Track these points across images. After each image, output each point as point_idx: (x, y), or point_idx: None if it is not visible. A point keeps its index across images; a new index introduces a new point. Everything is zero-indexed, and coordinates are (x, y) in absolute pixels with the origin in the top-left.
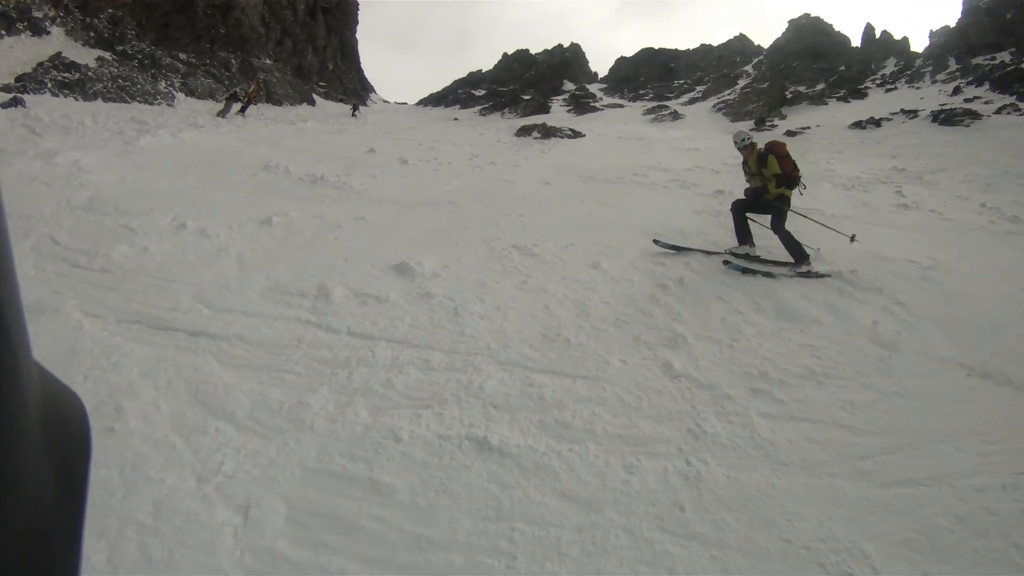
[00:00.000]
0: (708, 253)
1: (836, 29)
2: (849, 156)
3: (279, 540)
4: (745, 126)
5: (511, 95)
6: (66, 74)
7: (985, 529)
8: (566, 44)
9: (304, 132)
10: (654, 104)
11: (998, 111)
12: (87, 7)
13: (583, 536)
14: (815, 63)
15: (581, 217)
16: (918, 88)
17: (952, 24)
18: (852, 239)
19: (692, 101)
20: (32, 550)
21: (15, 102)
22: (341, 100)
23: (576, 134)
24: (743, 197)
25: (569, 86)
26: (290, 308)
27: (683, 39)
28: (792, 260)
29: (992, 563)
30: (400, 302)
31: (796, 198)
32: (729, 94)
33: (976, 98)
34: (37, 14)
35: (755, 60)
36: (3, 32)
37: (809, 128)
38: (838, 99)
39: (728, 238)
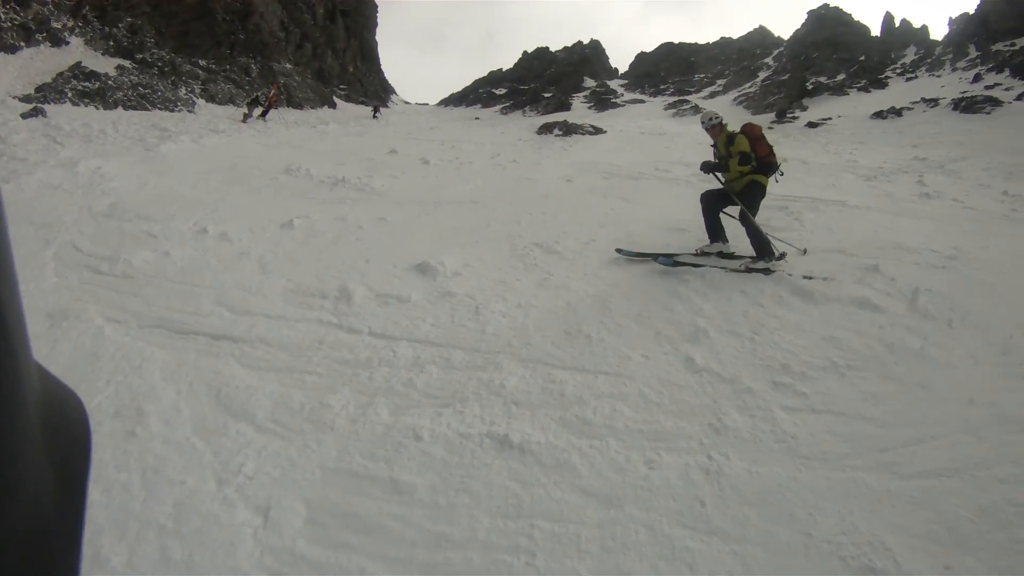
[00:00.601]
0: (668, 256)
1: (855, 19)
2: (871, 146)
3: (299, 540)
4: (766, 119)
5: (532, 93)
6: (86, 83)
7: (1008, 520)
8: (598, 40)
9: (325, 135)
10: (675, 99)
11: (1019, 97)
12: (106, 16)
13: (603, 532)
14: (835, 54)
15: (603, 214)
16: (938, 76)
17: (971, 11)
18: (803, 252)
19: (713, 95)
20: (32, 550)
21: (36, 112)
22: (362, 102)
23: (597, 131)
24: (712, 188)
25: (590, 83)
26: (311, 310)
27: (709, 33)
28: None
29: (1015, 555)
30: (422, 302)
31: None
32: (750, 87)
33: (997, 85)
34: (56, 24)
35: (775, 52)
36: (23, 43)
37: (831, 119)
38: (859, 89)
39: (738, 237)
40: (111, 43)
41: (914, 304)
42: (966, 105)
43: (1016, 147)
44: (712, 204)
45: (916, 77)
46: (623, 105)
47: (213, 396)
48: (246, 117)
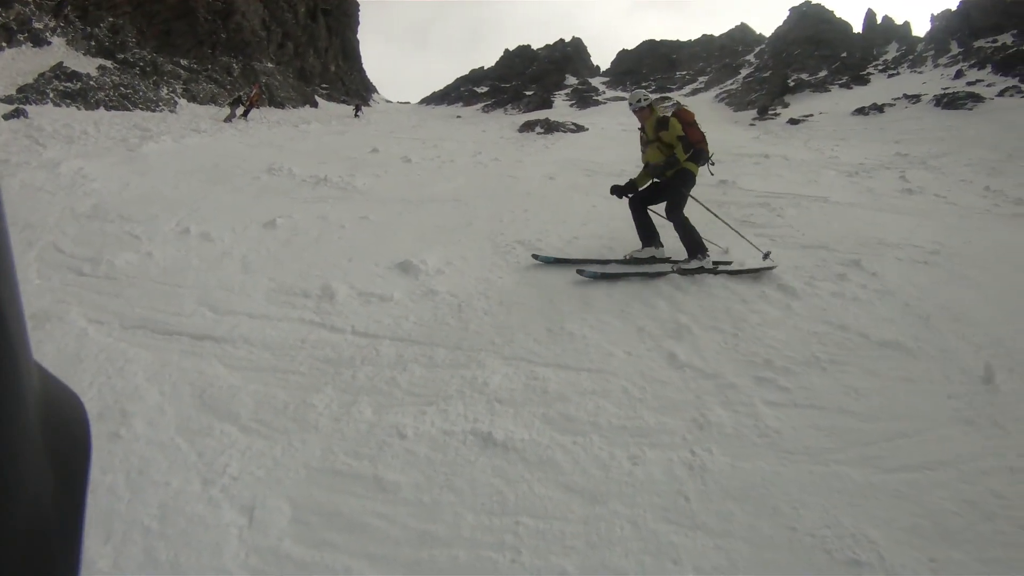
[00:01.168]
0: (590, 262)
1: (837, 16)
2: (852, 143)
3: (284, 540)
4: (748, 115)
5: (513, 91)
6: (68, 84)
7: (992, 512)
8: (579, 38)
9: (307, 134)
10: (657, 96)
11: (1001, 93)
12: (87, 16)
13: (588, 528)
14: (817, 50)
15: (586, 211)
16: (920, 72)
17: (953, 7)
18: (765, 256)
19: (695, 92)
20: (32, 550)
21: (17, 113)
22: (344, 101)
23: (579, 128)
24: (640, 188)
25: (571, 80)
26: (294, 309)
27: (691, 30)
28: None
29: (1000, 546)
30: (404, 300)
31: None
32: (732, 84)
33: (979, 81)
34: (38, 25)
35: (757, 49)
36: (4, 44)
37: (812, 116)
38: (841, 86)
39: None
40: (93, 43)
41: (893, 299)
42: (948, 101)
43: (998, 143)
44: (638, 205)
45: (898, 74)
46: (605, 103)
47: (197, 396)
48: (230, 117)
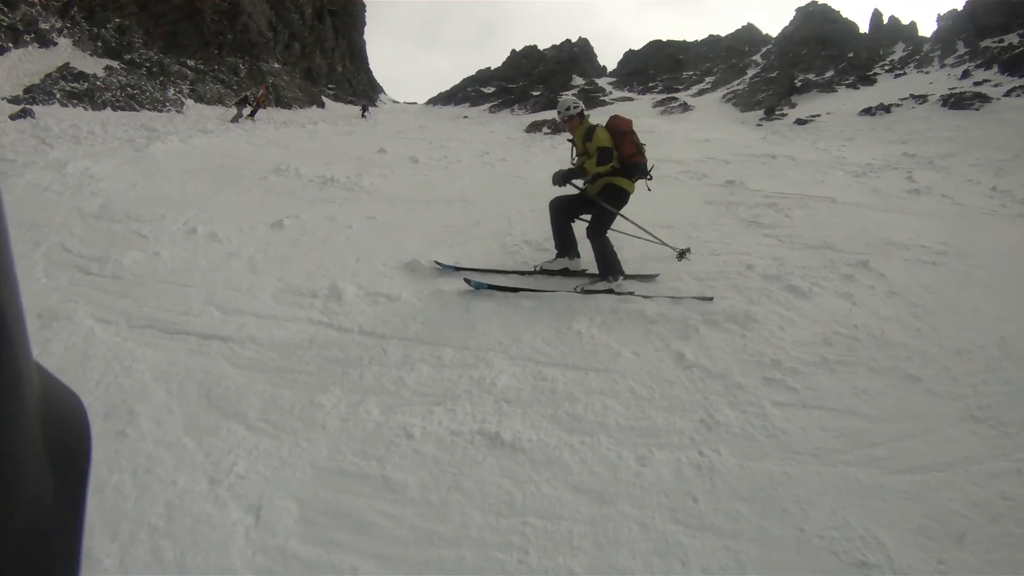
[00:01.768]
0: (493, 272)
1: (844, 16)
2: (859, 143)
3: (291, 539)
4: (755, 116)
5: (520, 91)
6: (75, 84)
7: (1000, 514)
8: (586, 39)
9: (314, 134)
10: (664, 96)
11: (1008, 93)
12: (94, 17)
13: (595, 529)
14: (823, 50)
15: None
16: (927, 73)
17: (960, 7)
18: (680, 256)
19: (701, 92)
20: (32, 550)
21: (24, 113)
22: (351, 102)
23: None
24: (566, 194)
25: (578, 81)
26: (302, 309)
27: (697, 31)
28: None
29: (1008, 548)
30: (412, 300)
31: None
32: (738, 84)
33: (985, 81)
34: (44, 26)
35: (763, 49)
36: (11, 44)
37: (819, 116)
38: (847, 86)
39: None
40: (99, 44)
41: (902, 299)
42: (955, 101)
43: (1005, 143)
44: (562, 211)
45: (905, 74)
46: (612, 103)
47: (204, 396)
48: (236, 117)
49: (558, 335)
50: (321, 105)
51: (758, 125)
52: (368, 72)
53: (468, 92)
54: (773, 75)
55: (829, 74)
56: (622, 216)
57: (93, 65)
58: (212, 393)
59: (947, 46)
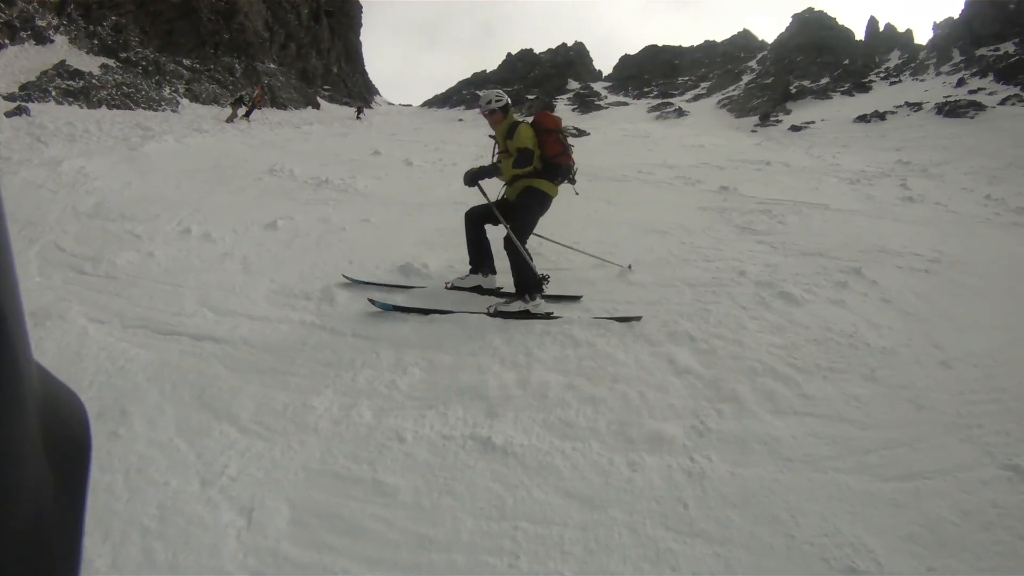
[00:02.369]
0: (404, 288)
1: (840, 23)
2: (854, 150)
3: (282, 542)
4: (750, 122)
5: (516, 95)
6: (70, 82)
7: (990, 522)
8: (582, 43)
9: (309, 135)
10: (659, 101)
11: (1002, 102)
12: (90, 15)
13: (586, 534)
14: (819, 57)
15: (586, 215)
16: (922, 80)
17: (956, 15)
18: (629, 267)
19: (697, 98)
20: (32, 550)
21: (20, 111)
22: (346, 103)
23: (581, 133)
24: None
25: (573, 85)
26: (295, 311)
27: (702, 34)
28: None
29: (998, 556)
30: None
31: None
32: (734, 90)
33: (980, 89)
34: (41, 23)
35: (759, 55)
36: (7, 41)
37: (814, 123)
38: (842, 93)
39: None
40: (95, 42)
41: (894, 307)
42: (950, 109)
43: (999, 151)
44: (477, 221)
45: (900, 81)
46: (607, 108)
47: (196, 397)
48: (232, 117)
49: (551, 338)
50: (316, 106)
51: (753, 131)
52: (364, 73)
53: (463, 95)
54: (768, 81)
55: (824, 81)
56: (537, 235)
57: (89, 63)
58: (205, 394)
59: (943, 54)
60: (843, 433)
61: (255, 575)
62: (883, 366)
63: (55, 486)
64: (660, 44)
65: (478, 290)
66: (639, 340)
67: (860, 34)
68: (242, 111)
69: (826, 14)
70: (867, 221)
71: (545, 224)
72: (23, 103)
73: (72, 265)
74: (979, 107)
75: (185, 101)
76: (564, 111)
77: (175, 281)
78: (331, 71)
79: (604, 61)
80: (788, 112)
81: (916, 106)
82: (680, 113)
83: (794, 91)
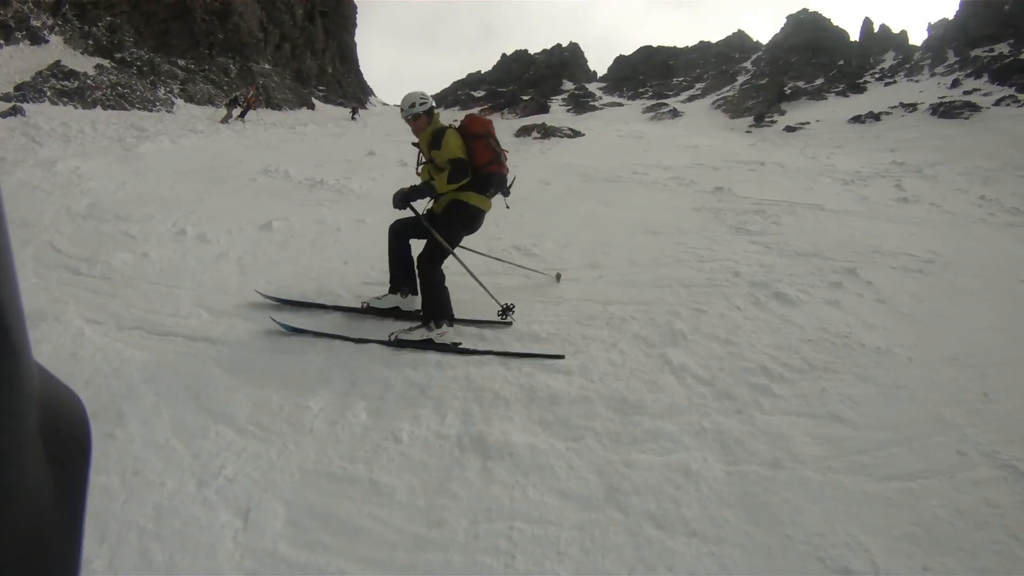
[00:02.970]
0: (319, 307)
1: (835, 24)
2: (848, 150)
3: (279, 542)
4: (744, 122)
5: (510, 96)
6: (65, 82)
7: (985, 521)
8: (577, 43)
9: (304, 136)
10: (653, 102)
11: (997, 103)
12: (85, 15)
13: (582, 534)
14: (814, 58)
15: (581, 216)
16: (917, 81)
17: (950, 16)
18: (558, 278)
19: (691, 99)
20: (32, 550)
21: (14, 111)
22: (340, 104)
23: (576, 133)
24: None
25: (568, 85)
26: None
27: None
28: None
29: (993, 555)
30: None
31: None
32: (728, 91)
33: (975, 90)
34: (35, 23)
35: (754, 56)
36: (2, 41)
37: (808, 123)
38: (837, 94)
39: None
40: (90, 42)
41: (889, 307)
42: (944, 110)
43: (994, 152)
44: (401, 236)
45: (895, 82)
46: (601, 108)
47: (192, 398)
48: (226, 118)
49: (546, 337)
50: (311, 107)
51: (747, 132)
52: (359, 74)
53: (458, 95)
54: (763, 82)
55: (819, 82)
56: (464, 248)
57: (84, 63)
58: (201, 395)
59: (937, 55)
60: (838, 433)
61: (251, 575)
62: (877, 366)
63: (55, 486)
64: (655, 45)
65: (397, 311)
66: (636, 340)
67: (855, 35)
68: (237, 112)
69: (821, 15)
70: (862, 222)
71: (545, 224)
72: (18, 103)
73: (67, 266)
74: (974, 108)
75: (180, 102)
76: (559, 111)
77: (171, 282)
78: (326, 72)
79: (599, 62)
80: (783, 113)
81: (911, 107)
82: (675, 114)
83: (789, 92)
